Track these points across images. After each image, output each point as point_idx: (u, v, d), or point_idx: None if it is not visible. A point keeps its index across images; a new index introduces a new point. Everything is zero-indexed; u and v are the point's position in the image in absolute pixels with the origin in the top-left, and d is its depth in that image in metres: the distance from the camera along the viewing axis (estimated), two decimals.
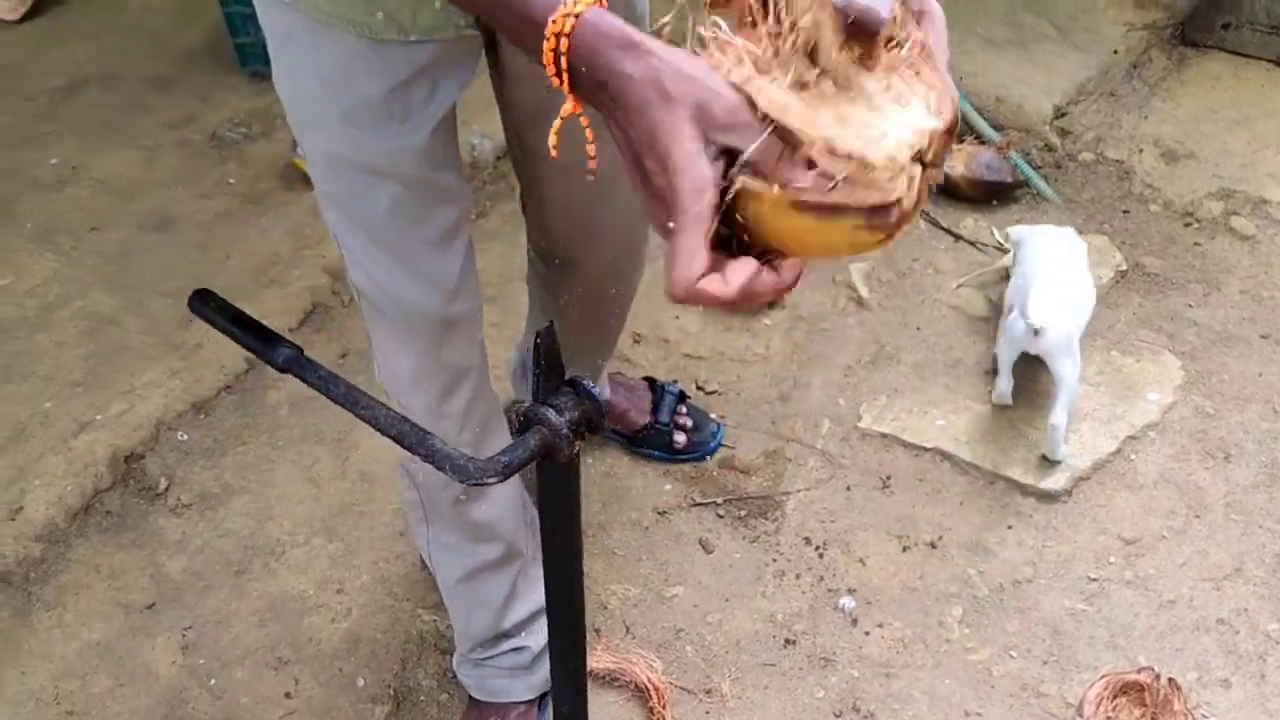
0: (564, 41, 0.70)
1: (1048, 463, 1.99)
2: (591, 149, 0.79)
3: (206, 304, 1.13)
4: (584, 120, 0.75)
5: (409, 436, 0.97)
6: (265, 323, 2.32)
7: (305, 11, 1.10)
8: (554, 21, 0.71)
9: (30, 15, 3.33)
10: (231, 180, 2.69)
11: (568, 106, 0.74)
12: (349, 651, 1.79)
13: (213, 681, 1.76)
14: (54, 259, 2.50)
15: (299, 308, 2.34)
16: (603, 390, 2.00)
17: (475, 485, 0.94)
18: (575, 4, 0.71)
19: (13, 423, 2.11)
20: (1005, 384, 2.06)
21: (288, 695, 1.74)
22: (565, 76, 0.72)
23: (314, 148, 1.25)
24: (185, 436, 2.11)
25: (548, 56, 0.72)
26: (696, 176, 0.68)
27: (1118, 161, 2.64)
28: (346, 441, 2.09)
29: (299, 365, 1.06)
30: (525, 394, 2.04)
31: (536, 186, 1.49)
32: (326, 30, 1.11)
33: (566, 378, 0.96)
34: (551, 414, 0.93)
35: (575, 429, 0.94)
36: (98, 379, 2.19)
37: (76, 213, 2.62)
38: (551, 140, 0.76)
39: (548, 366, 0.94)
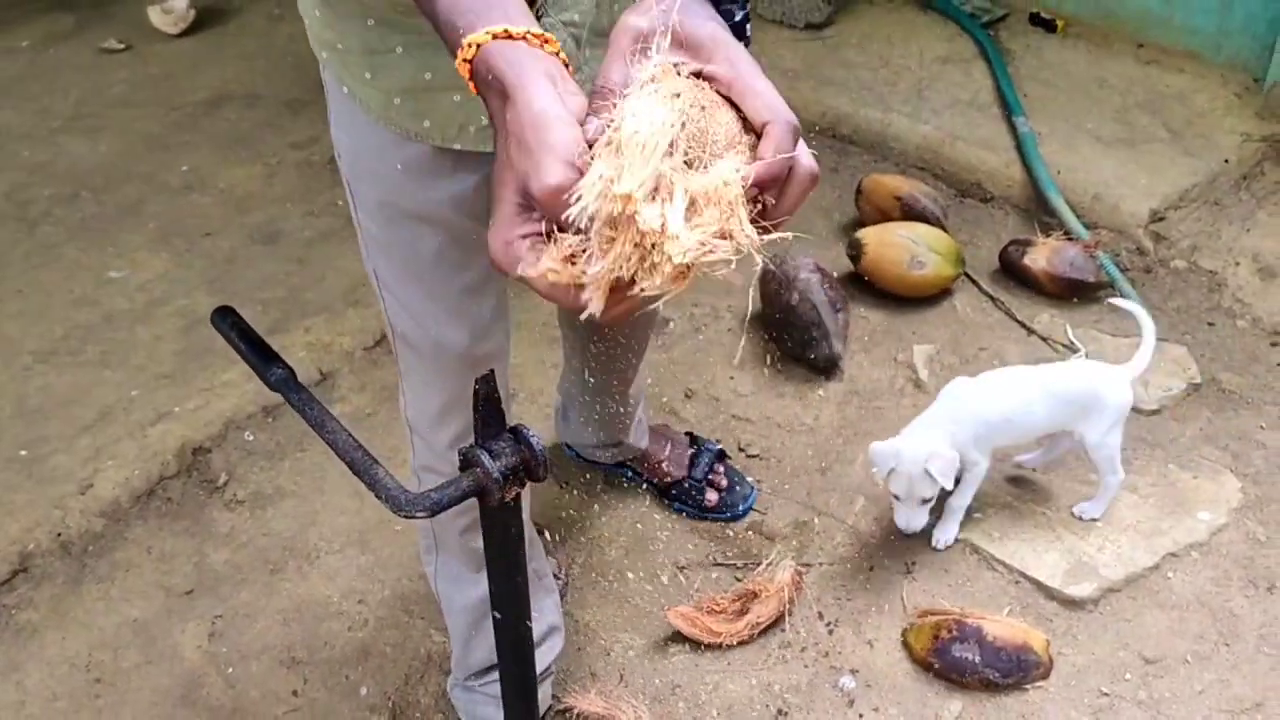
0: (466, 67, 0.78)
1: (1078, 569, 1.96)
2: None
3: (225, 320, 1.23)
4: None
5: (358, 463, 1.04)
6: (343, 338, 2.45)
7: (357, 107, 1.21)
8: (465, 46, 0.78)
9: (190, 31, 3.61)
10: (339, 203, 2.84)
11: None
12: (358, 660, 1.87)
13: (230, 670, 1.86)
14: (167, 258, 2.69)
15: (377, 328, 2.45)
16: (640, 436, 2.06)
17: (406, 518, 1.00)
18: (484, 33, 0.77)
19: (101, 405, 2.28)
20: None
21: (294, 694, 1.83)
22: (472, 86, 0.79)
23: (367, 195, 1.33)
24: (251, 437, 2.25)
25: (463, 69, 0.79)
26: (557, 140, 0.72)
27: (1211, 272, 2.58)
28: (395, 460, 2.19)
29: (286, 385, 1.14)
30: (564, 434, 2.11)
31: None
32: None
33: (510, 425, 1.02)
34: (485, 458, 0.99)
35: (509, 475, 1.00)
36: (183, 374, 2.35)
37: (195, 218, 2.82)
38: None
39: (487, 411, 1.00)
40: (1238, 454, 2.19)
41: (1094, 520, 2.04)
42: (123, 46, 3.58)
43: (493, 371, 0.99)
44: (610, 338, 1.77)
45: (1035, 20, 3.32)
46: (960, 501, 2.00)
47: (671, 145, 0.73)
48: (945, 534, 2.02)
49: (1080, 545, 2.01)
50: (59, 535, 2.04)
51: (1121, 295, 2.53)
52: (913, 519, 1.95)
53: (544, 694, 1.73)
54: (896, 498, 1.94)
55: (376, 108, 1.20)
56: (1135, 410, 2.26)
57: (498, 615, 1.18)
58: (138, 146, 3.11)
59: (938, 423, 1.94)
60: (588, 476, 2.16)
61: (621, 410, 1.93)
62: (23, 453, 2.19)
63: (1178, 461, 2.17)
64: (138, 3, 3.69)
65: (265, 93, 3.33)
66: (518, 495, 1.04)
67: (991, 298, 2.57)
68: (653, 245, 0.71)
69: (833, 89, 3.15)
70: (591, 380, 1.87)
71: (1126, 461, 2.15)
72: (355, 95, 1.21)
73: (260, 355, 1.19)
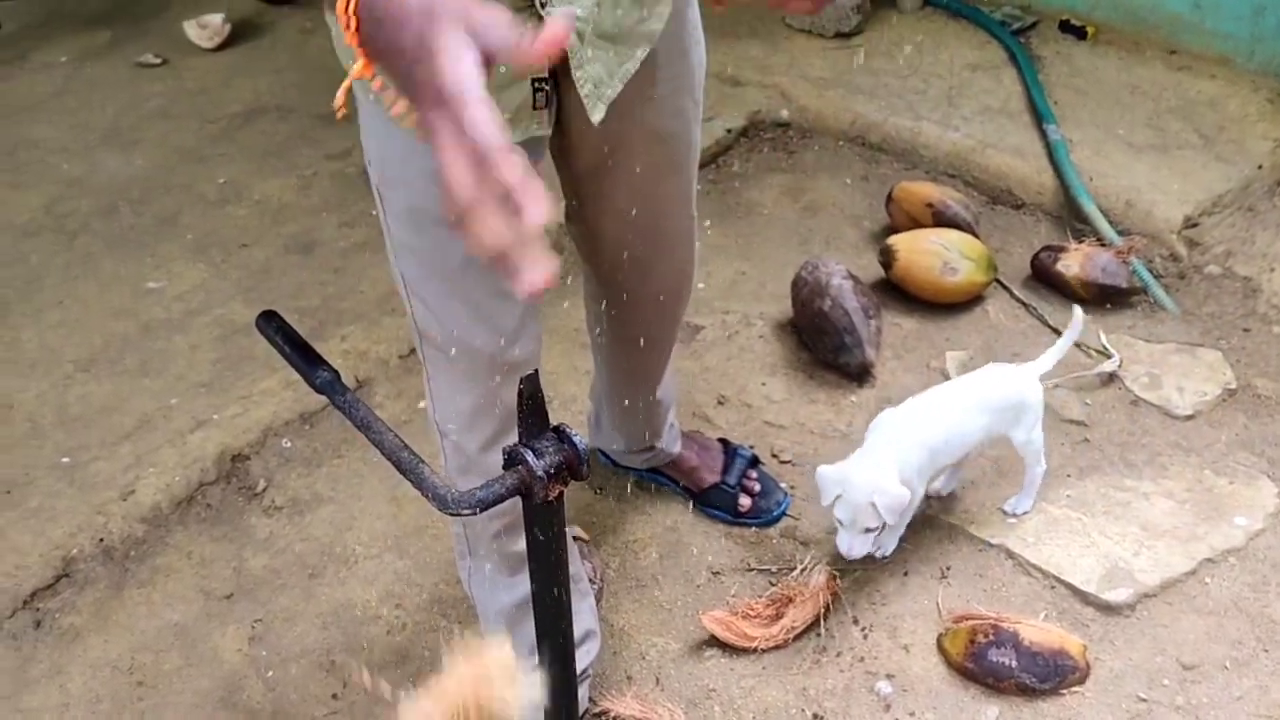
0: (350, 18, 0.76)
1: (1114, 574, 1.95)
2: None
3: (270, 324, 1.25)
4: (376, 84, 0.79)
5: (404, 463, 1.06)
6: (378, 346, 2.47)
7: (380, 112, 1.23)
8: None
9: (225, 45, 3.66)
10: (373, 213, 2.85)
11: (357, 67, 0.78)
12: (396, 664, 1.89)
13: (270, 673, 1.88)
14: (204, 269, 2.73)
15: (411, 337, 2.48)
16: (673, 442, 2.07)
17: (451, 515, 1.02)
18: None
19: (140, 414, 2.31)
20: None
21: (334, 697, 1.85)
22: (354, 22, 0.77)
23: (395, 201, 1.35)
24: (289, 444, 2.27)
25: (340, 5, 0.76)
26: (457, 52, 0.72)
27: (1246, 278, 2.57)
28: (433, 465, 2.21)
29: (331, 388, 1.16)
30: (597, 441, 2.13)
31: (597, 228, 1.59)
32: None
33: (553, 425, 1.04)
34: (530, 456, 1.00)
35: (553, 473, 1.01)
36: (221, 382, 2.38)
37: (232, 229, 2.86)
38: (338, 100, 0.83)
39: (531, 411, 1.01)
40: (1274, 460, 2.17)
41: (1025, 514, 2.06)
42: (159, 61, 3.63)
43: (536, 372, 1.00)
44: (634, 339, 1.78)
45: (1065, 27, 3.32)
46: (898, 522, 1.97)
47: None
48: (886, 546, 1.99)
49: (1116, 550, 2.01)
50: (101, 540, 2.07)
51: (1156, 301, 2.53)
52: (854, 545, 1.87)
53: (580, 696, 1.74)
54: (840, 523, 1.87)
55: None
56: (1170, 416, 2.27)
57: (538, 615, 1.20)
58: (174, 159, 3.15)
59: (884, 456, 1.88)
60: (621, 482, 2.17)
61: (649, 414, 1.94)
62: (65, 460, 2.22)
63: (1213, 467, 2.16)
64: (174, 18, 3.75)
65: (299, 105, 3.37)
66: (560, 494, 1.06)
67: (1024, 304, 2.56)
68: None
69: (862, 97, 3.16)
70: (616, 383, 1.88)
71: (1163, 468, 2.16)
72: (377, 100, 1.23)
73: (305, 358, 1.21)
